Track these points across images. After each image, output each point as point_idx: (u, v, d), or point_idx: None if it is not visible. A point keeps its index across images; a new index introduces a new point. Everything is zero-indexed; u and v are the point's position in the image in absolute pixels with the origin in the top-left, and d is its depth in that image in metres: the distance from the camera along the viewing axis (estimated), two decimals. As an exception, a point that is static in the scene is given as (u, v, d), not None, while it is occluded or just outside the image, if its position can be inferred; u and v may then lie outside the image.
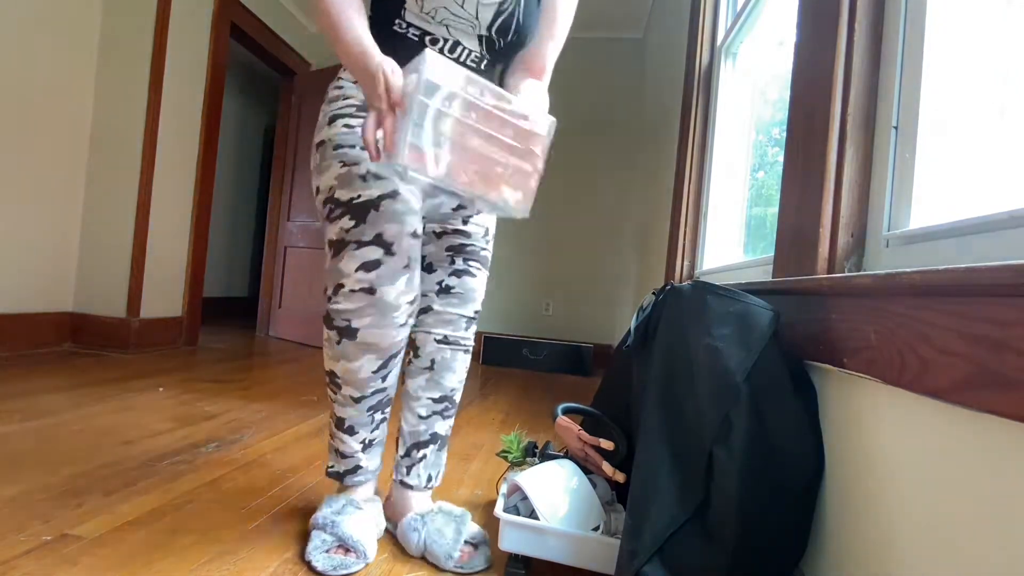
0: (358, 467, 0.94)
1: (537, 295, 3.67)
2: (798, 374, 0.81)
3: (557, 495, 0.89)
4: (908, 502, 0.58)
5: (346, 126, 0.86)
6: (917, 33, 0.75)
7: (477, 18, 0.83)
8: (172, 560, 0.81)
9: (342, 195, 0.83)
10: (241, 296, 5.07)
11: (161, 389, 1.86)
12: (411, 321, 0.89)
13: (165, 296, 2.70)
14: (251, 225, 5.18)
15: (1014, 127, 0.65)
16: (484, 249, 1.01)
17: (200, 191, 2.84)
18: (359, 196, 0.82)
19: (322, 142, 0.87)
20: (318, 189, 0.87)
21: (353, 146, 0.84)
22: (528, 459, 1.09)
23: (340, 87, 0.92)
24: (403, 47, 0.82)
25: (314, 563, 0.82)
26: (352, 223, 0.82)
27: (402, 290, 0.83)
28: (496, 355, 3.27)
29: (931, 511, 0.54)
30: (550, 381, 2.88)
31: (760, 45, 1.63)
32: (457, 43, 0.85)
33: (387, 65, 0.68)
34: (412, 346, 1.00)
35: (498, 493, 0.95)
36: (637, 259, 3.11)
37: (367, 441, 0.94)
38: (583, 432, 1.00)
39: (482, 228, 1.00)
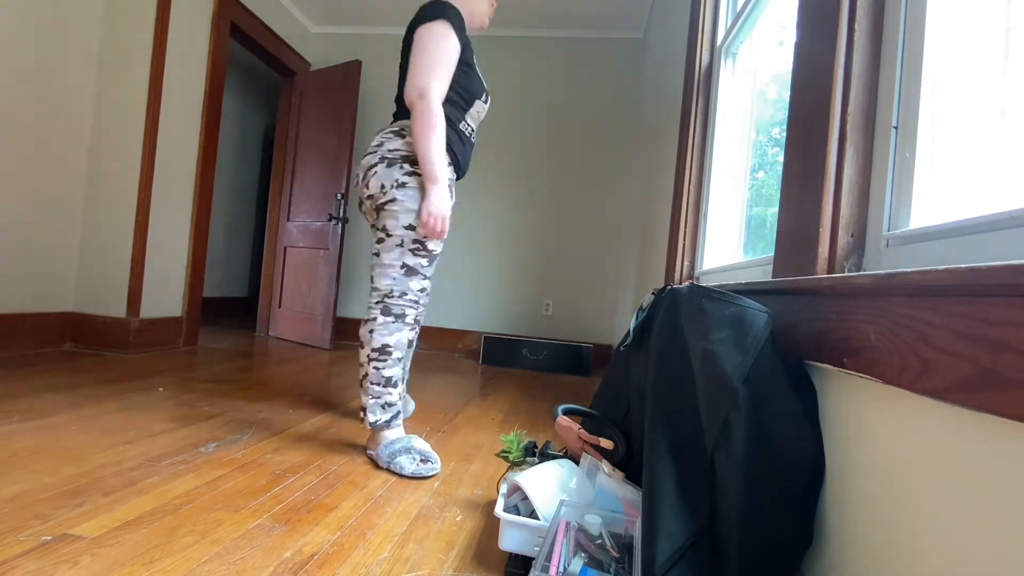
0: (398, 411, 1.38)
1: (537, 295, 3.67)
2: (798, 374, 0.81)
3: (557, 495, 0.89)
4: (908, 502, 0.58)
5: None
6: (917, 33, 0.75)
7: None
8: (172, 560, 0.81)
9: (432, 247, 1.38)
10: (241, 296, 5.07)
11: (161, 389, 1.86)
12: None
13: (165, 296, 2.71)
14: (251, 225, 5.18)
15: (1014, 127, 0.65)
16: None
17: (200, 191, 2.84)
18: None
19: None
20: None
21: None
22: (528, 459, 1.09)
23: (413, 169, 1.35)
24: (462, 140, 1.44)
25: (410, 471, 1.24)
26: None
27: None
28: (496, 355, 3.27)
29: (931, 511, 0.54)
30: (550, 381, 2.88)
31: (760, 45, 1.63)
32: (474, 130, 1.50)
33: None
34: None
35: (498, 493, 0.95)
36: (637, 259, 3.11)
37: (400, 391, 1.40)
38: (583, 431, 1.00)
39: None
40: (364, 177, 1.37)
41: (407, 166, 1.32)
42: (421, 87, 1.27)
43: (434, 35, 1.29)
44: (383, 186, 1.32)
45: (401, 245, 1.33)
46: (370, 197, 1.36)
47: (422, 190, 1.32)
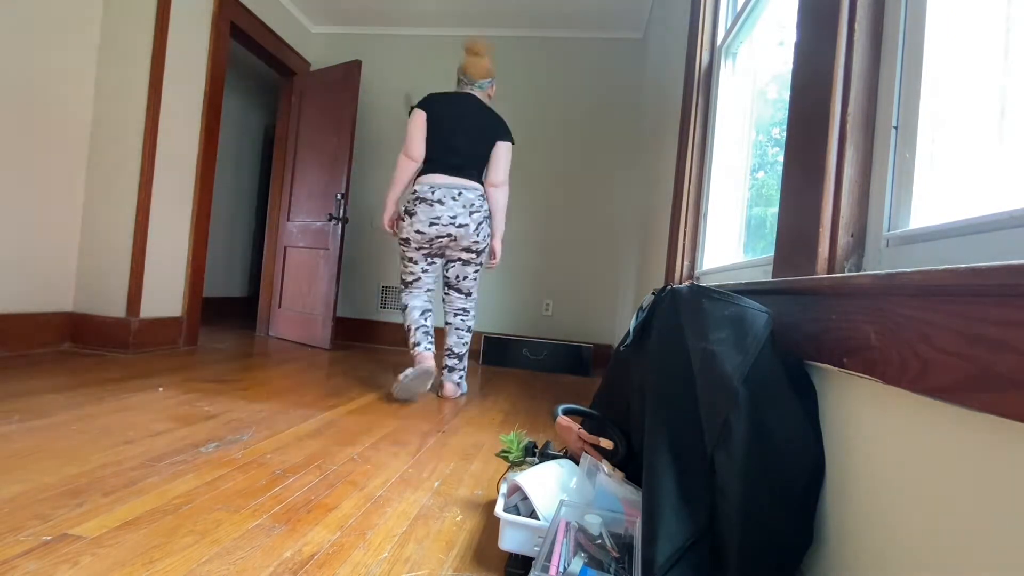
0: None
1: (537, 295, 3.67)
2: (798, 374, 0.81)
3: (557, 495, 0.89)
4: (908, 502, 0.58)
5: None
6: (917, 33, 0.75)
7: None
8: (172, 560, 0.81)
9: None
10: (241, 296, 5.07)
11: (161, 389, 1.86)
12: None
13: (165, 296, 2.71)
14: (251, 225, 5.19)
15: (1014, 127, 0.65)
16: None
17: (200, 191, 2.84)
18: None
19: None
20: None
21: None
22: (528, 459, 1.09)
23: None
24: None
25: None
26: None
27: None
28: (496, 355, 3.27)
29: (931, 511, 0.55)
30: (550, 381, 2.88)
31: (760, 45, 1.63)
32: None
33: None
34: None
35: (498, 493, 0.95)
36: (637, 259, 3.11)
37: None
38: (583, 431, 1.00)
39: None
40: (476, 228, 2.05)
41: (489, 222, 2.15)
42: (505, 179, 2.15)
43: (511, 153, 2.15)
44: (485, 237, 2.12)
45: (478, 270, 2.21)
46: (476, 242, 2.08)
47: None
